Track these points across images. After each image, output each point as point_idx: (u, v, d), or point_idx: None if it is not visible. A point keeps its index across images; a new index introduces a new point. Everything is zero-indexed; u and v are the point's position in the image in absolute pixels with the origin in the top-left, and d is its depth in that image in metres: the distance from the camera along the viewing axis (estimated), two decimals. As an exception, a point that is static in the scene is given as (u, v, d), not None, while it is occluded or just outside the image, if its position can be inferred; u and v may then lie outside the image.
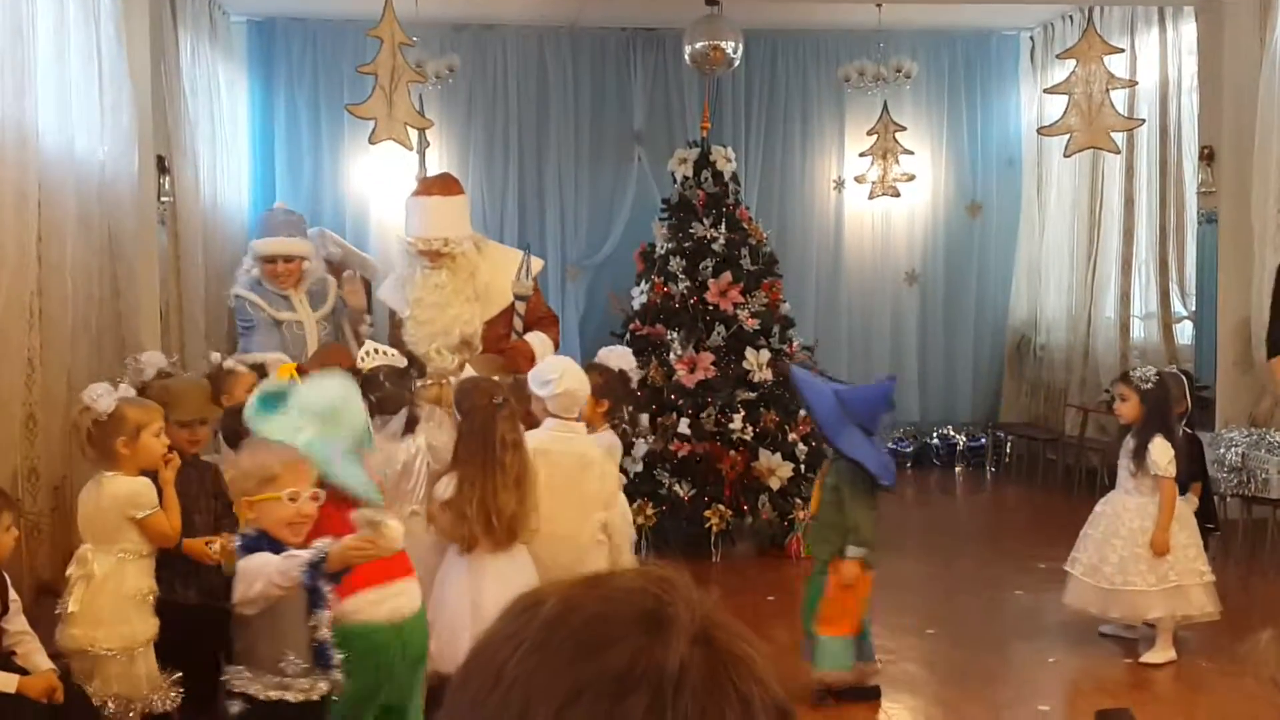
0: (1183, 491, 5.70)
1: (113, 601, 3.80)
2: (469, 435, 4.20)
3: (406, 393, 4.36)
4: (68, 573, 3.87)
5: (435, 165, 9.02)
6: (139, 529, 3.87)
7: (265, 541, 3.19)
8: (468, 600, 4.11)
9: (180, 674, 3.94)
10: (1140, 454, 5.29)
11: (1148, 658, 5.35)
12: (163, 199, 7.06)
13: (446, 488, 4.20)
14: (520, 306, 5.79)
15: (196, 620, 4.09)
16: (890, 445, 10.30)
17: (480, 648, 0.84)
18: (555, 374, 4.47)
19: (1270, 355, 4.85)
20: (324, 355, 4.56)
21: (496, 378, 4.73)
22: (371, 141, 6.80)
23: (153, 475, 3.98)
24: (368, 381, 4.24)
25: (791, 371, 5.00)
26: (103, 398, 3.91)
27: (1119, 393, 5.46)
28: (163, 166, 7.05)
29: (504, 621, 0.84)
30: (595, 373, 4.83)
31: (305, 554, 3.08)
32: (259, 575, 3.08)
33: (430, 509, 4.30)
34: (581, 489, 4.53)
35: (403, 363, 4.42)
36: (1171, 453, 5.23)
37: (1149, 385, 5.33)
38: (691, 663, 0.78)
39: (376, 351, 4.38)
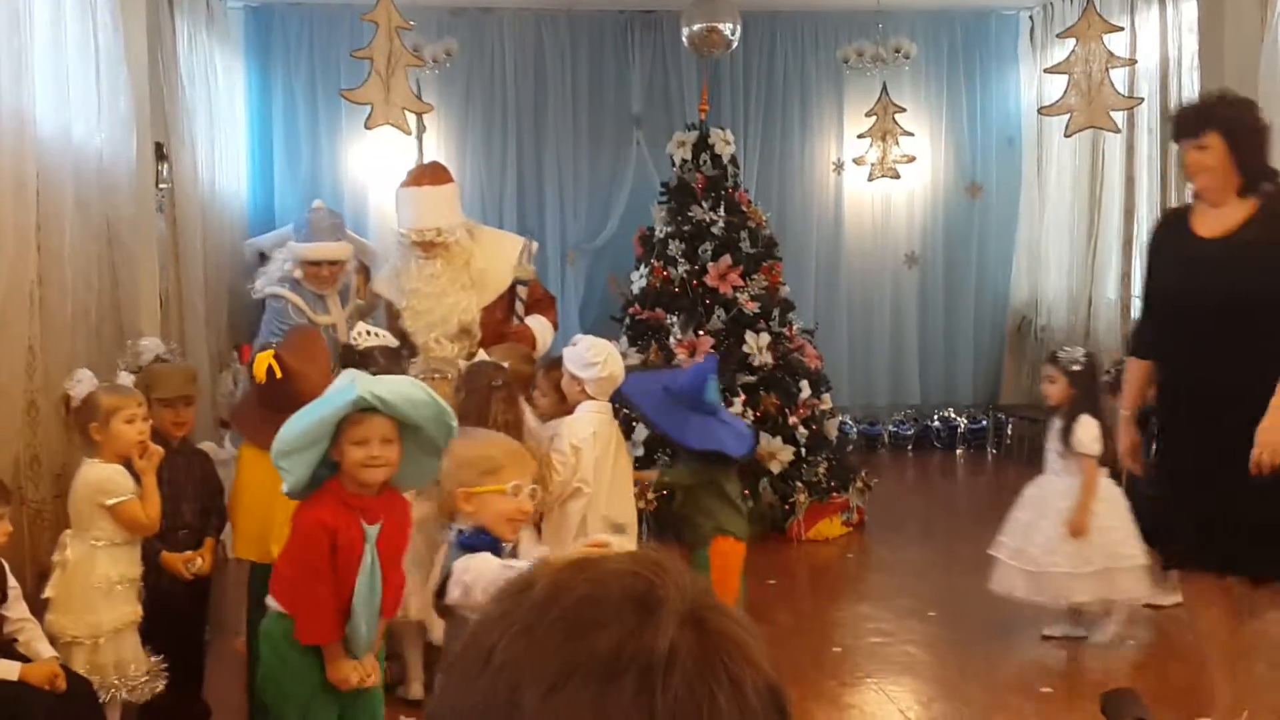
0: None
1: (81, 589, 3.81)
2: (465, 416, 4.28)
3: (398, 369, 4.43)
4: (53, 558, 3.91)
5: (433, 150, 9.02)
6: (111, 516, 3.87)
7: (485, 539, 3.02)
8: None
9: (164, 662, 3.96)
10: (1069, 434, 5.26)
11: (1096, 639, 5.36)
12: (161, 186, 7.04)
13: None
14: (522, 291, 5.81)
15: (181, 599, 4.14)
16: (891, 427, 10.34)
17: (473, 630, 0.84)
18: (600, 358, 4.49)
19: (1131, 352, 4.43)
20: (299, 342, 4.55)
21: (506, 364, 4.74)
22: (367, 127, 6.79)
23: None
24: (363, 359, 4.29)
25: (621, 394, 4.89)
26: (80, 384, 3.95)
27: (1047, 375, 5.43)
28: (161, 153, 7.04)
29: (495, 604, 0.84)
30: (559, 370, 4.76)
31: (524, 568, 2.92)
32: (479, 580, 2.91)
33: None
34: (625, 469, 4.62)
35: (395, 342, 4.49)
36: (1096, 431, 5.15)
37: (1077, 367, 5.30)
38: (682, 645, 0.78)
39: (370, 333, 4.45)
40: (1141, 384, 4.29)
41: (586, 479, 4.41)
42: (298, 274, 5.61)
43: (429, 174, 5.77)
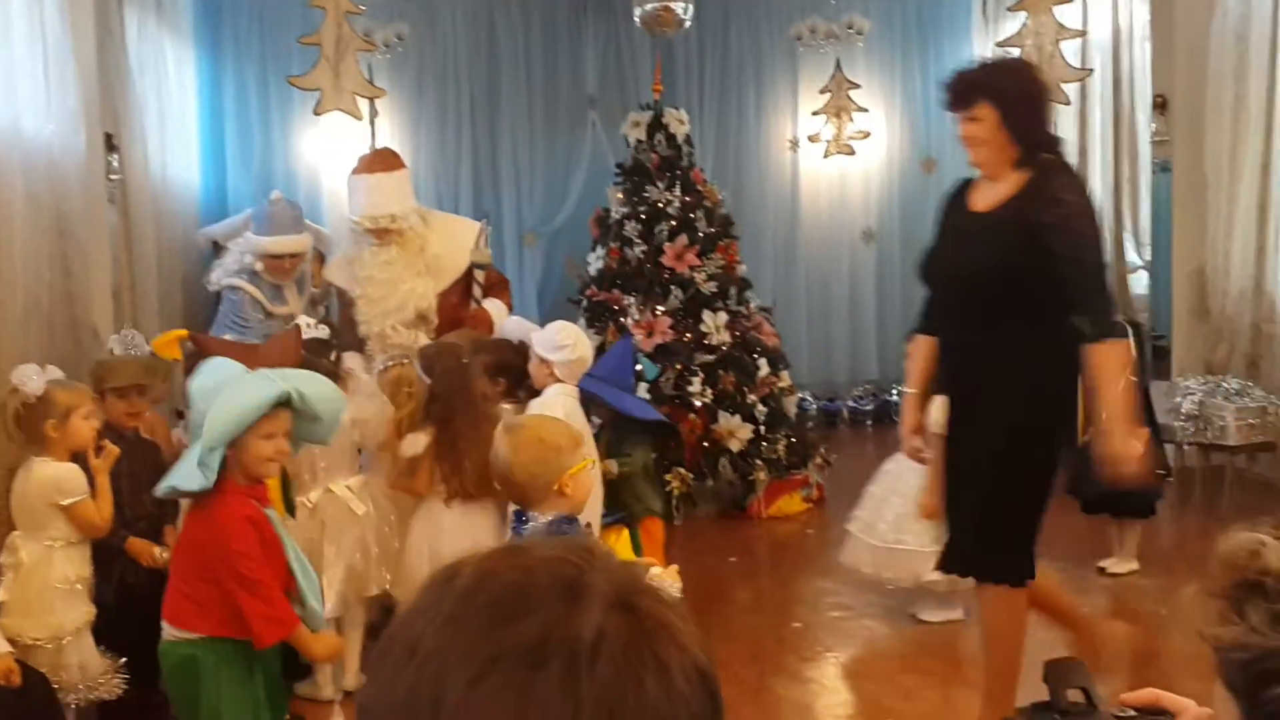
0: None
1: (39, 591, 3.74)
2: (447, 395, 4.33)
3: (325, 361, 4.45)
4: (1, 560, 3.83)
5: (386, 135, 8.96)
6: (66, 516, 3.81)
7: (575, 524, 3.00)
8: (427, 546, 4.25)
9: (124, 660, 3.90)
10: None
11: (927, 616, 5.32)
12: (111, 177, 6.97)
13: (415, 445, 4.31)
14: (479, 275, 5.79)
15: (143, 589, 4.11)
16: (850, 403, 10.39)
17: (400, 620, 0.83)
18: (570, 340, 4.45)
19: (916, 329, 4.10)
20: (278, 341, 4.54)
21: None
22: (316, 113, 6.75)
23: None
24: None
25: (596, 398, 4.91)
26: (32, 380, 3.85)
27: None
28: (111, 144, 6.96)
29: (422, 594, 0.84)
30: (486, 351, 4.74)
31: None
32: None
33: (398, 469, 4.45)
34: (591, 454, 4.58)
35: (325, 333, 4.52)
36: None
37: None
38: (609, 630, 0.78)
39: (309, 325, 4.49)
40: (925, 362, 4.00)
41: None
42: (258, 266, 5.56)
43: (380, 160, 5.74)
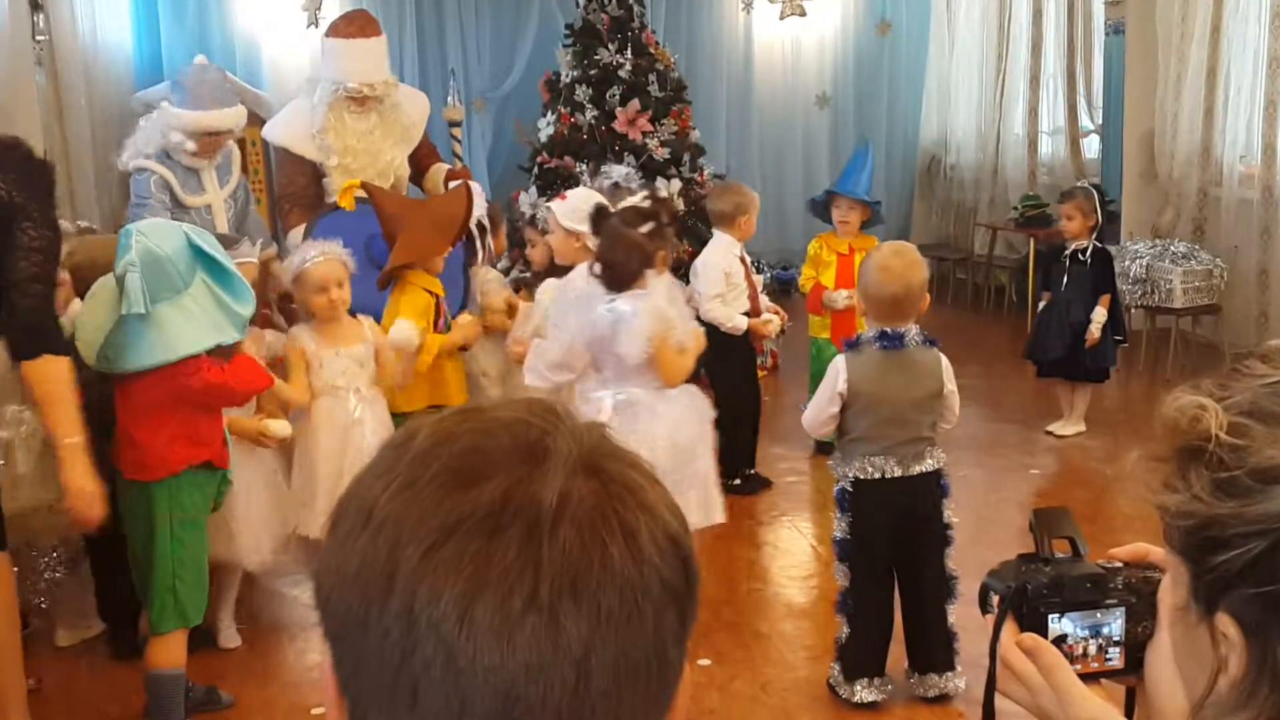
0: (1092, 304, 5.92)
1: None
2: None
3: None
4: None
5: (329, -4, 8.65)
6: None
7: None
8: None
9: None
10: None
11: None
12: (38, 38, 6.70)
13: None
14: (457, 132, 5.57)
15: None
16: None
17: (353, 487, 0.79)
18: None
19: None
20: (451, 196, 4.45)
21: None
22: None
23: None
24: None
25: None
26: None
27: None
28: (35, 3, 6.68)
29: (377, 458, 0.80)
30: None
31: None
32: None
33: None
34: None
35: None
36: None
37: None
38: (572, 495, 0.74)
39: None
40: None
41: None
42: (189, 145, 4.87)
43: (369, 24, 5.39)
